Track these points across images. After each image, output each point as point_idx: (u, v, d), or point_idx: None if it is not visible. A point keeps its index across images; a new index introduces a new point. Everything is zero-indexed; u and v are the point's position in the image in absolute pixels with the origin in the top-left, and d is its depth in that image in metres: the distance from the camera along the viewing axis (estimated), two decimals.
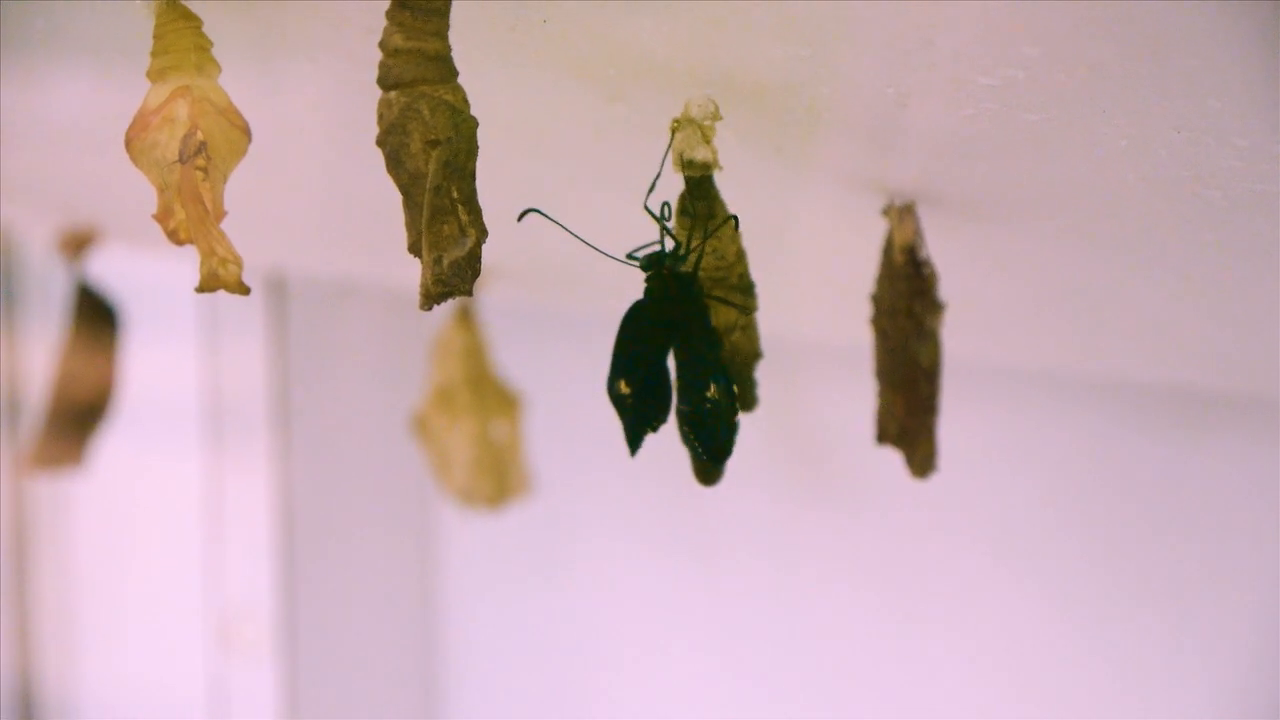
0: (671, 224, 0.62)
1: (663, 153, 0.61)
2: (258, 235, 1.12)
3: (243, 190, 0.60)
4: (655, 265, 0.61)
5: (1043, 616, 1.20)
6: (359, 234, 1.11)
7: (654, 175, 0.61)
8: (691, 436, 0.63)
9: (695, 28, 0.55)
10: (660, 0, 0.53)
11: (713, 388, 0.61)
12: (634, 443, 0.62)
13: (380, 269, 1.34)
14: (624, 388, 0.61)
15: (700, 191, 0.62)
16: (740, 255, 0.64)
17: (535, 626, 1.58)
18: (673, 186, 0.62)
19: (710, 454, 0.62)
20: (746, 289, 0.64)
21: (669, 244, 0.61)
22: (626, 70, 0.61)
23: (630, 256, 0.61)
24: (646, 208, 0.60)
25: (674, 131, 0.61)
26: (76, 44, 0.73)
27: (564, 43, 0.59)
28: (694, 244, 0.62)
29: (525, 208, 0.61)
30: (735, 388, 0.64)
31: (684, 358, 0.62)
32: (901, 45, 0.53)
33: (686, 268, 0.62)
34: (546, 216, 0.58)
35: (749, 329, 0.65)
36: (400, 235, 0.54)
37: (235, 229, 0.56)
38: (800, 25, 0.53)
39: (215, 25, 0.57)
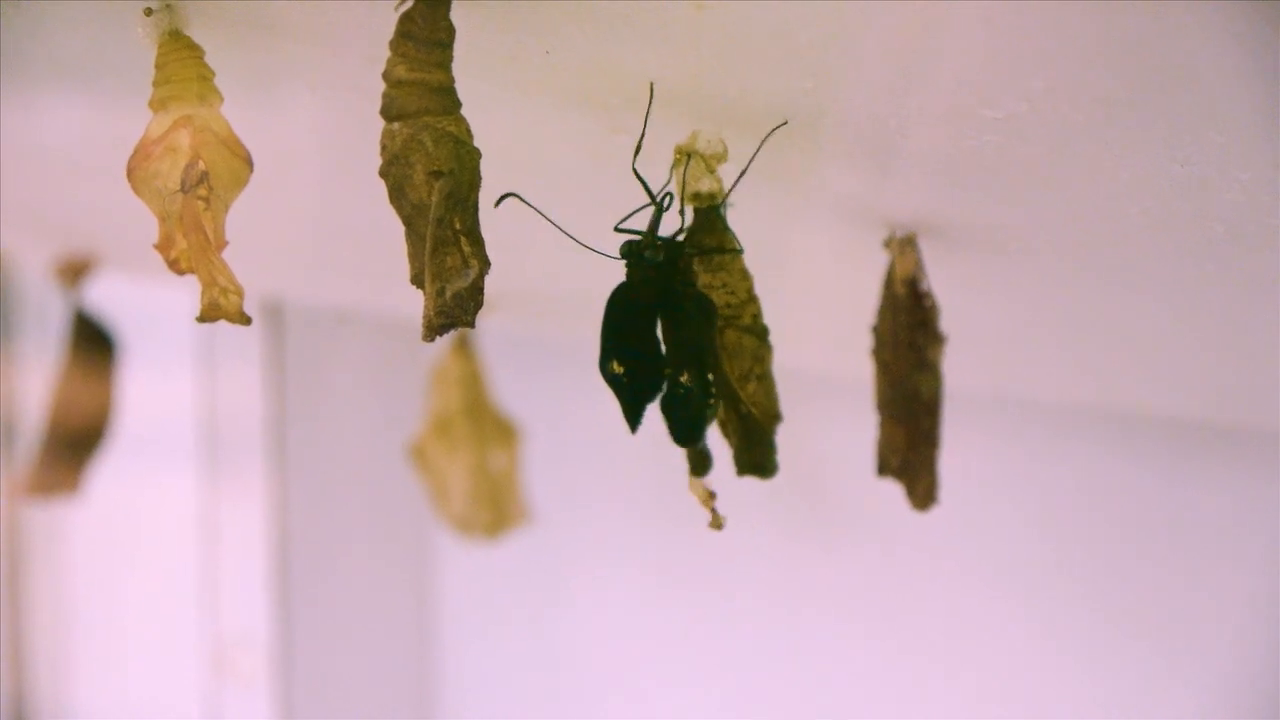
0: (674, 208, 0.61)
1: (665, 180, 0.61)
2: (255, 262, 1.12)
3: (241, 217, 0.60)
4: (632, 254, 0.60)
5: (1044, 649, 1.19)
6: (357, 262, 1.11)
7: (656, 207, 0.60)
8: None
9: (698, 59, 0.55)
10: (663, 32, 0.53)
11: (686, 374, 0.60)
12: (633, 420, 0.60)
13: (378, 297, 1.34)
14: (616, 367, 0.60)
15: (706, 224, 0.61)
16: (753, 296, 0.63)
17: (532, 656, 1.57)
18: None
19: (676, 437, 0.61)
20: (761, 333, 0.64)
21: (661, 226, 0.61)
22: (630, 101, 0.61)
23: (619, 228, 0.60)
24: (634, 170, 0.59)
25: (678, 162, 0.60)
26: (76, 71, 0.73)
27: (567, 74, 0.59)
28: (680, 240, 0.61)
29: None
30: (736, 402, 0.63)
31: (665, 339, 0.60)
32: (904, 77, 0.53)
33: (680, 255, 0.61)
34: (526, 203, 0.58)
35: (765, 380, 0.64)
36: (398, 263, 0.54)
37: (232, 255, 0.56)
38: (802, 57, 0.53)
39: (217, 55, 0.57)
